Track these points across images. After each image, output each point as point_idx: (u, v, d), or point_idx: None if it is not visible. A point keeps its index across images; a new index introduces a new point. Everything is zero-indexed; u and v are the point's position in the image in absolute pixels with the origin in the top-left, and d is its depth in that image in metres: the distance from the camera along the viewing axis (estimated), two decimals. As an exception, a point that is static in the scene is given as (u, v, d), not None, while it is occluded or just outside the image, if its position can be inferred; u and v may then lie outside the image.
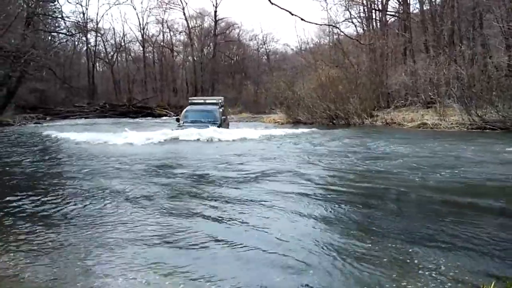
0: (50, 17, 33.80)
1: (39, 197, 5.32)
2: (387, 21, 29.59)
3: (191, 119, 15.92)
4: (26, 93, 32.28)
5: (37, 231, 3.97)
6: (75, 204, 4.95)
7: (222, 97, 19.46)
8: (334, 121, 22.12)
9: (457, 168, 7.24)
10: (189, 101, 18.48)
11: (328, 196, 5.43)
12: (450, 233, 3.86)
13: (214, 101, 18.39)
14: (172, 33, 50.95)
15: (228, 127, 17.64)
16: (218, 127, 15.28)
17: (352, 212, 4.62)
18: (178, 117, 17.24)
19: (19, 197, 5.28)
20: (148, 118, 35.82)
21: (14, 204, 4.97)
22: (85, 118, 34.96)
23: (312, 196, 5.31)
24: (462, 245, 3.56)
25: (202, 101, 18.82)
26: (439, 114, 18.40)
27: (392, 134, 15.40)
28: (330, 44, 32.00)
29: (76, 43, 48.31)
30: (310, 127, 20.42)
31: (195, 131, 13.91)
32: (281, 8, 13.80)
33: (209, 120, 15.77)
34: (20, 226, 4.14)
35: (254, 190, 5.66)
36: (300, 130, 17.07)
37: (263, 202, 4.98)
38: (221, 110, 17.27)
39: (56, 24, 37.59)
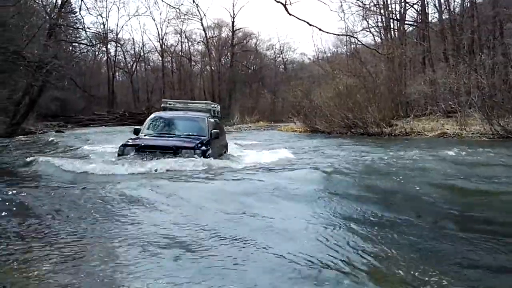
0: (71, 28, 34.51)
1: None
2: (405, 30, 29.44)
3: (156, 130, 10.05)
4: (48, 102, 32.92)
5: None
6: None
7: (218, 105, 12.90)
8: (353, 130, 22.00)
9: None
10: (163, 106, 12.01)
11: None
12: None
13: (204, 106, 12.14)
14: (190, 43, 51.53)
15: (225, 151, 11.44)
16: (204, 148, 9.00)
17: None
18: (139, 127, 10.49)
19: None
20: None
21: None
22: (105, 126, 35.50)
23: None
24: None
25: (182, 104, 12.21)
26: (460, 123, 18.18)
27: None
28: (348, 53, 32.00)
29: (97, 53, 49.20)
30: (328, 137, 20.46)
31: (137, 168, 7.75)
32: (299, 19, 13.48)
33: (190, 134, 9.70)
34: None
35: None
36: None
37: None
38: (213, 120, 11.02)
39: (77, 35, 38.37)
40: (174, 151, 8.58)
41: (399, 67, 25.47)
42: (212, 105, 12.30)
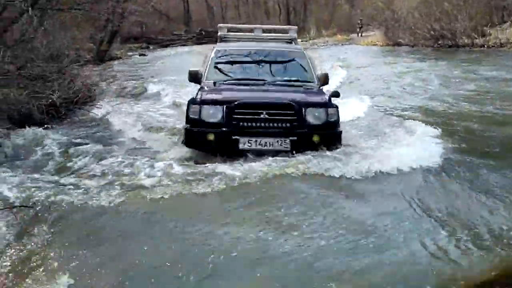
0: None
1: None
2: None
3: (232, 74, 6.30)
4: (129, 26, 33.98)
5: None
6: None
7: (296, 27, 8.41)
8: (440, 42, 20.53)
9: None
10: (221, 35, 7.74)
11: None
12: None
13: (287, 35, 7.93)
14: (263, -49, 49.11)
15: None
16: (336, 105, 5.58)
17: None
18: (196, 70, 6.33)
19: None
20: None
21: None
22: (184, 45, 36.21)
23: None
24: None
25: (253, 33, 7.88)
26: None
27: None
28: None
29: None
30: (414, 51, 19.34)
31: None
32: None
33: (289, 79, 6.11)
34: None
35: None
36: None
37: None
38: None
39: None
40: (296, 112, 5.10)
41: (496, -34, 22.57)
42: (293, 32, 7.91)
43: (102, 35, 22.26)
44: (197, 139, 5.26)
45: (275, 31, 8.85)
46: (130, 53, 29.84)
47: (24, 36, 8.24)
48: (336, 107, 5.39)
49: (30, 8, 7.57)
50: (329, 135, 5.25)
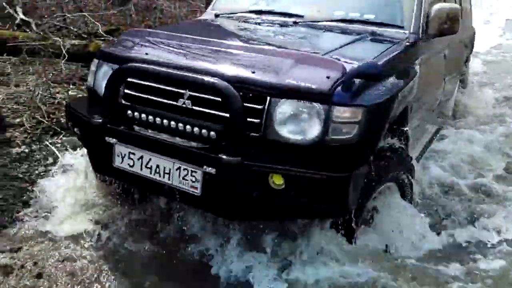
0: None
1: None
2: None
3: (260, 3, 3.41)
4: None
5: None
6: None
7: None
8: None
9: None
10: None
11: None
12: None
13: None
14: None
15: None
16: (388, 94, 2.24)
17: None
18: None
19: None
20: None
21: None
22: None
23: None
24: None
25: None
26: None
27: None
28: None
29: None
30: None
31: None
32: None
33: (355, 17, 3.01)
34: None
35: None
36: None
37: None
38: None
39: None
40: (229, 104, 2.07)
41: None
42: None
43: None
44: (73, 125, 2.70)
45: None
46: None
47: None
48: (366, 106, 2.13)
49: None
50: (314, 180, 2.05)
